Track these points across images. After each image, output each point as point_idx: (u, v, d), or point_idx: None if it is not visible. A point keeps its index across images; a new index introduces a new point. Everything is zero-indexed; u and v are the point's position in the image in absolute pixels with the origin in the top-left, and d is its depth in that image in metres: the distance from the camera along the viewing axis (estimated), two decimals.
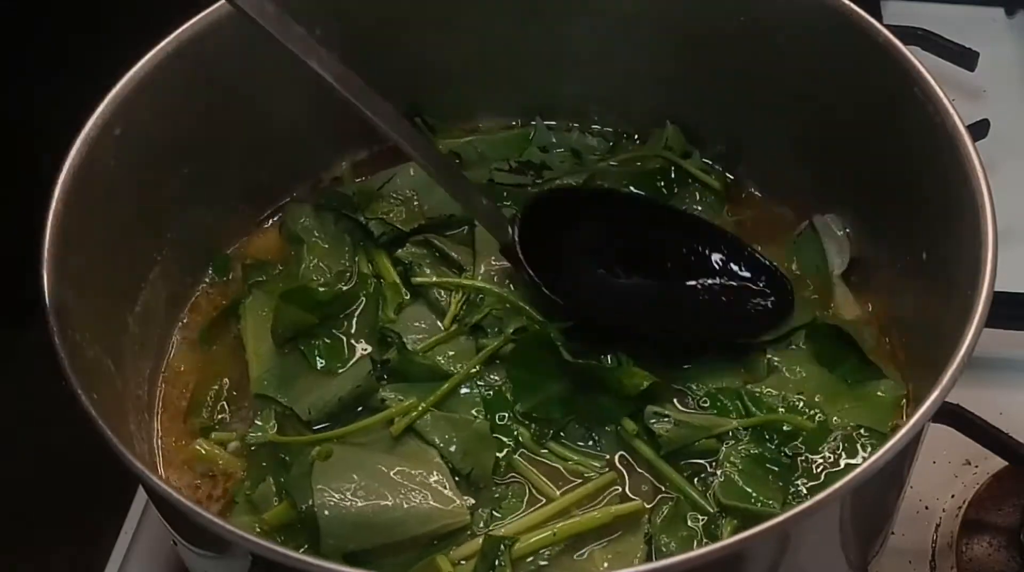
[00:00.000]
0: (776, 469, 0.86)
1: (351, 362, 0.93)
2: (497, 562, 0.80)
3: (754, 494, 0.84)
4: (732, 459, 0.86)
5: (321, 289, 0.96)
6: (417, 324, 0.95)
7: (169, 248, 0.95)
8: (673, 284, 0.98)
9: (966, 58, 1.27)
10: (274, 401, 0.91)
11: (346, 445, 0.87)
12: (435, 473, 0.85)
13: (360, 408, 0.91)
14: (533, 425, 0.90)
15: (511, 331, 0.93)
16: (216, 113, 0.96)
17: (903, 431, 0.69)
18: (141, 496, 1.03)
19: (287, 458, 0.88)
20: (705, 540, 0.83)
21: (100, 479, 0.91)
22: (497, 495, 0.86)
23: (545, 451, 0.89)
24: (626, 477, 0.88)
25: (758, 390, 0.91)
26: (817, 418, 0.89)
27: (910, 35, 1.23)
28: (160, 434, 0.92)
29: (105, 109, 0.86)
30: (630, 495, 0.86)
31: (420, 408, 0.88)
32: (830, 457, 0.87)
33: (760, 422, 0.88)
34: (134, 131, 0.88)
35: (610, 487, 0.87)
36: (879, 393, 0.90)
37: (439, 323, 0.95)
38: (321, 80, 0.84)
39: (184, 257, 0.97)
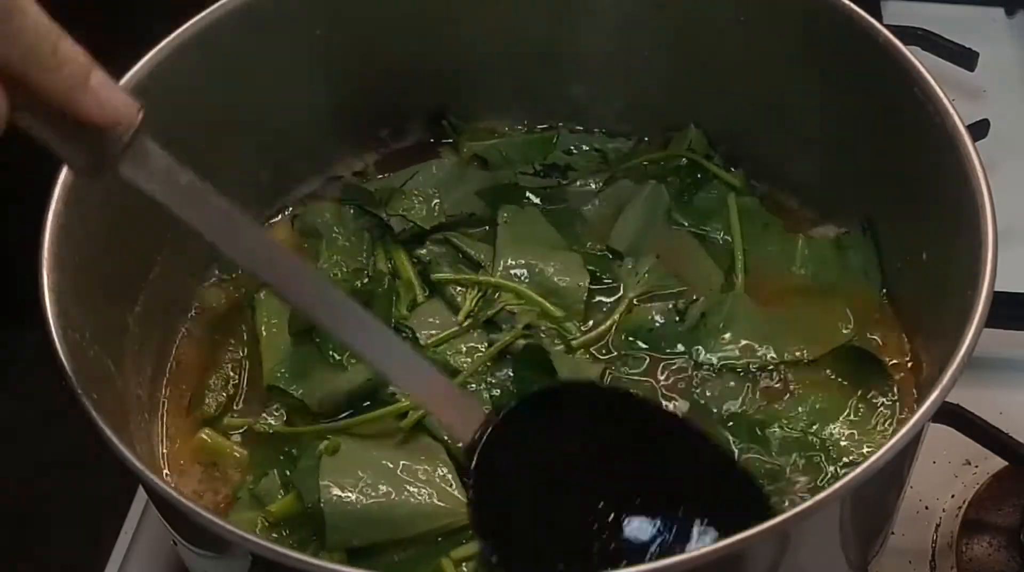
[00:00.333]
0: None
1: None
2: None
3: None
4: None
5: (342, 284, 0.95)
6: (431, 320, 0.95)
7: (170, 248, 0.95)
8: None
9: (966, 58, 1.27)
10: (286, 393, 0.91)
11: (354, 439, 0.87)
12: (441, 470, 0.85)
13: (368, 402, 0.90)
14: None
15: (522, 326, 0.93)
16: (219, 112, 0.96)
17: (903, 431, 0.69)
18: (141, 496, 1.03)
19: (294, 452, 0.88)
20: None
21: (100, 479, 0.91)
22: None
23: None
24: None
25: (771, 426, 0.89)
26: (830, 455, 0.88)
27: (910, 35, 1.23)
28: (162, 434, 0.92)
29: None
30: None
31: None
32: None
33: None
34: None
35: None
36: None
37: (454, 320, 0.95)
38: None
39: (186, 256, 0.97)
